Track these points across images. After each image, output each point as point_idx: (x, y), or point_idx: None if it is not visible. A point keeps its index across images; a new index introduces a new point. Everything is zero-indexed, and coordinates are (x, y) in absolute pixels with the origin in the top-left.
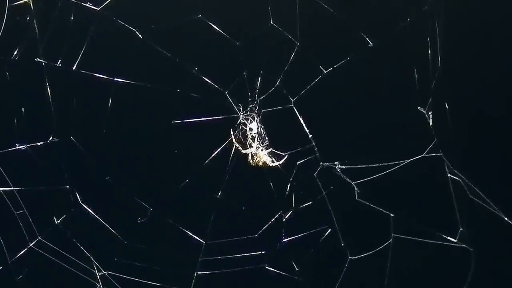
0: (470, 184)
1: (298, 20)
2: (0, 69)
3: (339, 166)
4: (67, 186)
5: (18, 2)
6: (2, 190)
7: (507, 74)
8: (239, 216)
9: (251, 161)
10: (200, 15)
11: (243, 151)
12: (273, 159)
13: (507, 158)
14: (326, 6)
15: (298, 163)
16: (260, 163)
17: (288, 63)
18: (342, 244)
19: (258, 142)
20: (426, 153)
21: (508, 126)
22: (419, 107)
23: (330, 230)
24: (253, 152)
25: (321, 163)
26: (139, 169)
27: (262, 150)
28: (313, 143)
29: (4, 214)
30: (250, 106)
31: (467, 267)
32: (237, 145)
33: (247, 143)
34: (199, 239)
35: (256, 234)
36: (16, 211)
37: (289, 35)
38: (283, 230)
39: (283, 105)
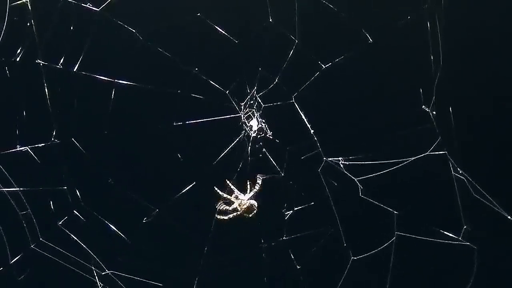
0: (474, 182)
1: (296, 17)
2: (2, 71)
3: (343, 162)
4: (69, 188)
5: (17, 2)
6: (5, 190)
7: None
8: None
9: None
10: (199, 14)
11: (230, 207)
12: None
13: (511, 156)
14: (325, 3)
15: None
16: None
17: (287, 59)
18: (345, 244)
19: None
20: (430, 151)
21: None
22: (423, 106)
23: (332, 230)
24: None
25: (324, 159)
26: (141, 171)
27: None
28: (315, 139)
29: (7, 215)
30: (250, 102)
31: (470, 265)
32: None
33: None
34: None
35: (260, 234)
36: (18, 212)
37: (288, 32)
38: (285, 229)
39: (284, 102)
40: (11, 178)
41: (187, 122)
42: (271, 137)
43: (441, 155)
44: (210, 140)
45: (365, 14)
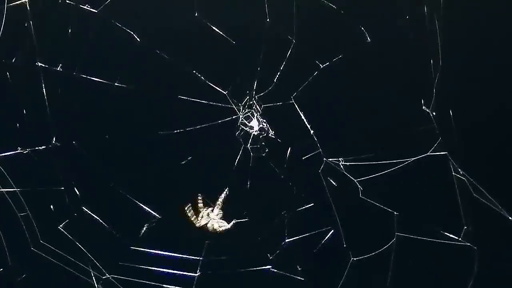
0: (475, 183)
1: (295, 16)
2: (2, 73)
3: (343, 163)
4: (70, 190)
5: (16, 3)
6: (6, 192)
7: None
8: (243, 217)
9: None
10: (196, 14)
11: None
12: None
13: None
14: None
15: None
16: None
17: (285, 59)
18: (345, 245)
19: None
20: (431, 152)
21: None
22: (423, 107)
23: (332, 231)
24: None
25: (324, 159)
26: (141, 174)
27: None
28: (315, 140)
29: (8, 217)
30: (249, 103)
31: (471, 266)
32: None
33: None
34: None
35: (260, 235)
36: (19, 214)
37: (286, 32)
38: (286, 231)
39: (283, 102)
40: (12, 181)
41: (186, 125)
42: (273, 134)
43: (442, 156)
44: (210, 141)
45: (364, 13)
